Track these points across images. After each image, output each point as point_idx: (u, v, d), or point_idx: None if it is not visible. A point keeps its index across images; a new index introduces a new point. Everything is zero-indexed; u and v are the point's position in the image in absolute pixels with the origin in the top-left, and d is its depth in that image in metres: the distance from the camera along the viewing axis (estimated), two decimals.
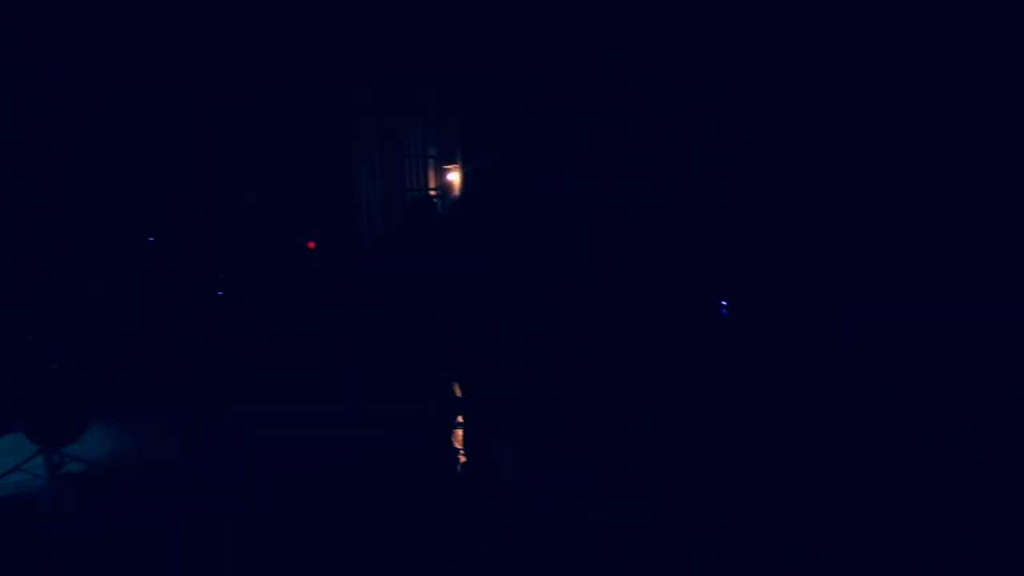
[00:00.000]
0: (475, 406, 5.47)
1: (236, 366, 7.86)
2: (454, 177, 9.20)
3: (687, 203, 7.90)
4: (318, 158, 9.42)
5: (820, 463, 5.38)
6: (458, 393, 5.59)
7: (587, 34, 8.00)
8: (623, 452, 5.78)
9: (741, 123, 7.66)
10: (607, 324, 7.56)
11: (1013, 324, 6.69)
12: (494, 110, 8.64)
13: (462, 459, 5.43)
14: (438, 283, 5.87)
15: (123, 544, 4.52)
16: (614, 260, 7.82)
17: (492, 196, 8.48)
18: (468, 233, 6.36)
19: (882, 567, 4.05)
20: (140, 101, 8.75)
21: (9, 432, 6.54)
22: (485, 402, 5.50)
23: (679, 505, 4.84)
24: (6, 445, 6.32)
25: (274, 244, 9.05)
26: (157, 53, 8.56)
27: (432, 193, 9.27)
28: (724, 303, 7.77)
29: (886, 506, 4.67)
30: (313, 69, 9.15)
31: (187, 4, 8.34)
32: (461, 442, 5.59)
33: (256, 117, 9.21)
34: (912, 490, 4.86)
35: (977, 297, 6.99)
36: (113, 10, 8.42)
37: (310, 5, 8.61)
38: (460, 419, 5.79)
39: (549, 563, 4.20)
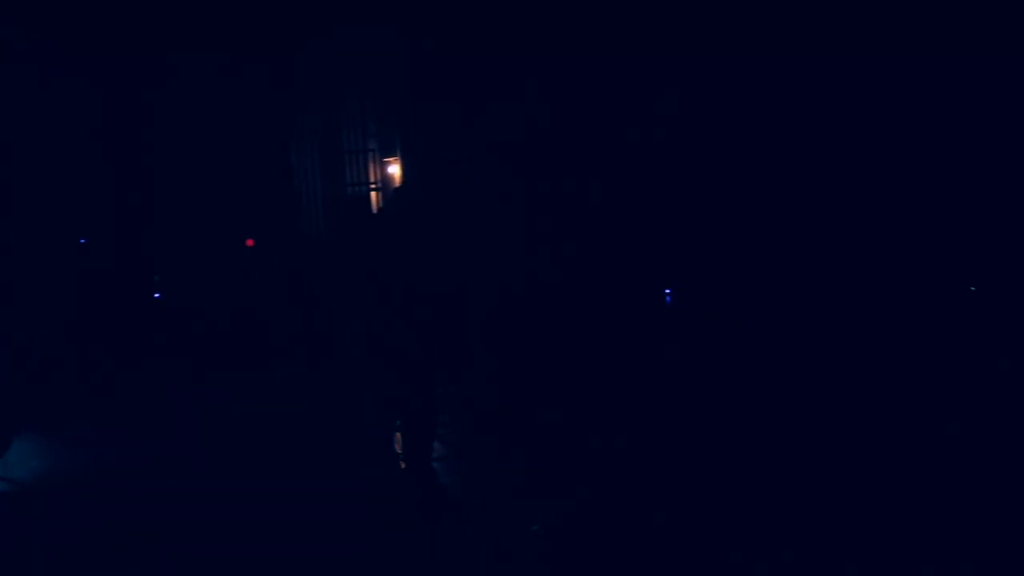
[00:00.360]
0: (414, 405, 5.36)
1: (173, 371, 7.66)
2: (395, 170, 9.06)
3: (627, 193, 7.87)
4: (256, 154, 9.23)
5: (760, 450, 5.37)
6: (397, 395, 5.47)
7: (527, 33, 7.92)
8: (562, 447, 5.72)
9: (680, 119, 7.66)
10: (549, 316, 7.49)
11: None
12: (433, 103, 8.52)
13: (402, 465, 5.31)
14: (376, 282, 5.74)
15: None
16: (556, 249, 7.76)
17: (429, 189, 8.37)
18: (405, 228, 6.23)
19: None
20: (67, 95, 8.50)
21: None
22: (425, 401, 5.39)
23: (615, 503, 4.79)
24: None
25: (212, 243, 8.85)
26: (83, 52, 8.34)
27: (372, 186, 9.11)
28: (668, 291, 7.75)
29: (816, 493, 4.67)
30: (249, 63, 8.96)
31: None
32: (400, 445, 5.47)
33: (192, 112, 9.00)
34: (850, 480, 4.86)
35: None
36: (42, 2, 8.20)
37: None
38: (399, 420, 5.68)
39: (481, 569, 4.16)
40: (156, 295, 8.42)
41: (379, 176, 9.27)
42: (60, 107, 8.42)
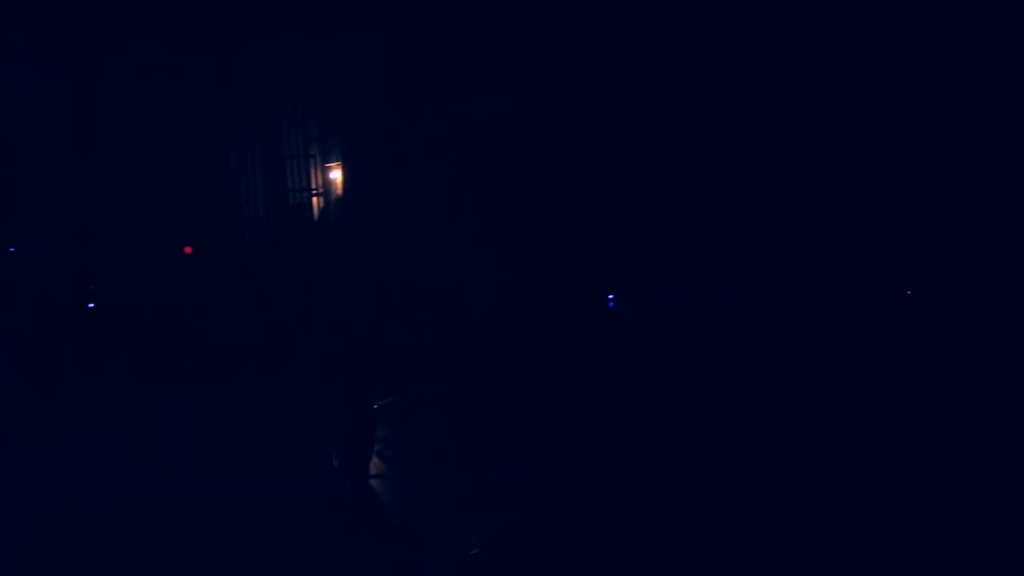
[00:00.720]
0: (356, 418, 5.27)
1: (108, 383, 7.46)
2: (336, 176, 8.94)
3: (575, 199, 7.84)
4: (196, 159, 9.03)
5: (707, 453, 5.36)
6: (343, 408, 5.37)
7: (473, 34, 7.85)
8: (505, 459, 5.67)
9: (640, 121, 7.64)
10: (493, 322, 7.45)
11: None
12: (375, 107, 8.42)
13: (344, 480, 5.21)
14: (317, 290, 5.64)
15: None
16: (499, 257, 7.71)
17: (371, 196, 8.27)
18: (347, 236, 6.14)
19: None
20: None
21: None
22: (361, 415, 5.31)
23: (558, 516, 4.75)
24: None
25: (149, 250, 8.64)
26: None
27: (314, 192, 8.98)
28: (611, 296, 7.74)
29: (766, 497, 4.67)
30: (187, 64, 8.76)
31: None
32: (342, 459, 5.38)
33: (128, 115, 8.77)
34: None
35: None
36: None
37: None
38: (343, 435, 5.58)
39: None
40: (90, 304, 8.20)
41: (321, 182, 9.14)
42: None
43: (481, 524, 4.63)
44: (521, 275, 7.67)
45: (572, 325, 7.50)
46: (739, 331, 7.10)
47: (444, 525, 4.74)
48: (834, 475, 4.87)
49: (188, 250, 8.60)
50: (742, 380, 6.44)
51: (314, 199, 8.94)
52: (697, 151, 7.41)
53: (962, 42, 6.48)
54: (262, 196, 9.30)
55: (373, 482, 5.32)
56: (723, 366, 6.69)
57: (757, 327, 7.09)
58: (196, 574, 4.27)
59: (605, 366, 7.08)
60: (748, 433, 5.59)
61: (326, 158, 9.12)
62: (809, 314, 7.02)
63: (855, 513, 4.40)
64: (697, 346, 7.07)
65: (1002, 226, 6.61)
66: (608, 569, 4.10)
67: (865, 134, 7.01)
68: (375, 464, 5.78)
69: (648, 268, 7.55)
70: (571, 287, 7.80)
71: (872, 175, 7.01)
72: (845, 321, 6.89)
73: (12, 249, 8.13)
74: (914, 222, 6.86)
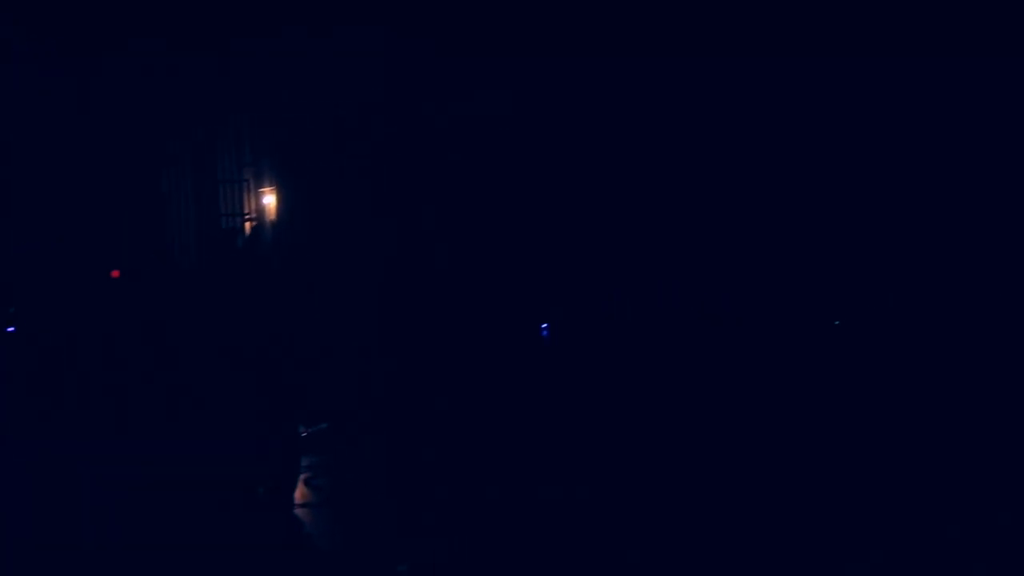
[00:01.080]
0: (282, 448, 5.18)
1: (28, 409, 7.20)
2: (270, 201, 8.86)
3: (505, 225, 7.86)
4: (126, 181, 8.86)
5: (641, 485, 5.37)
6: (266, 436, 5.27)
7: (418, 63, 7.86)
8: (433, 486, 5.62)
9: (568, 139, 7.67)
10: (422, 352, 7.41)
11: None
12: (306, 133, 8.37)
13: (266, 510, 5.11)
14: (245, 317, 5.56)
15: None
16: (426, 290, 7.68)
17: (298, 221, 8.20)
18: (276, 262, 6.07)
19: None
20: None
21: None
22: (291, 441, 5.23)
23: (485, 542, 4.71)
24: None
25: (74, 273, 8.42)
26: None
27: (247, 217, 8.88)
28: (544, 325, 7.77)
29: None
30: (120, 88, 8.62)
31: None
32: (266, 489, 5.27)
33: (55, 135, 8.58)
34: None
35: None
36: None
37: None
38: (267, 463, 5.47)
39: None
40: (10, 328, 7.93)
41: (254, 206, 9.04)
42: None
43: (409, 551, 4.57)
44: (453, 304, 7.66)
45: (506, 352, 7.50)
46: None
47: (371, 552, 4.67)
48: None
49: (115, 274, 8.39)
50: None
51: (247, 224, 8.84)
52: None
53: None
54: (194, 220, 9.17)
55: (299, 511, 5.22)
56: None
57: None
58: None
59: (538, 393, 7.08)
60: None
61: (260, 183, 9.05)
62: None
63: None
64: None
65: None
66: None
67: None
68: (301, 492, 5.69)
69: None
70: (507, 315, 7.80)
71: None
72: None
73: None
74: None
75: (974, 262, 6.76)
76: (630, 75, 7.49)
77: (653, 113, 7.49)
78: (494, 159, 7.75)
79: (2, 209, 8.28)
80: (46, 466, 6.07)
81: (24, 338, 7.93)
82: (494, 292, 7.72)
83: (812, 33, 6.99)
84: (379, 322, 8.04)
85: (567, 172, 7.57)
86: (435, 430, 6.59)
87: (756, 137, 7.32)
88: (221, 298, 5.94)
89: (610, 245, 7.66)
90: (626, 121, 7.57)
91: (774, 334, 7.03)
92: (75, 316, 8.08)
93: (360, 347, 7.78)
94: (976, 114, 6.76)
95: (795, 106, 7.18)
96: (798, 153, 7.23)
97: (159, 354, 7.39)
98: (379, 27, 7.75)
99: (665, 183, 7.53)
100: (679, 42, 7.28)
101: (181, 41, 8.35)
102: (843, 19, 6.97)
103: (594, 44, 7.46)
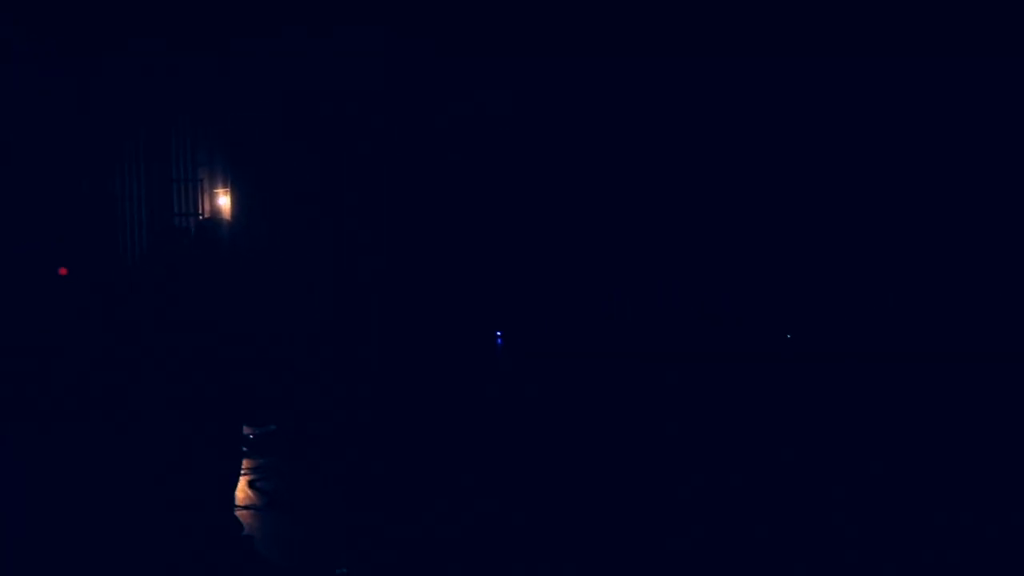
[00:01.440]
0: (223, 448, 5.09)
1: None
2: (224, 202, 8.75)
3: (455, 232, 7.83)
4: (77, 178, 8.71)
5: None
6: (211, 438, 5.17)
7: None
8: (378, 490, 5.57)
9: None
10: (374, 357, 7.35)
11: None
12: (263, 132, 8.29)
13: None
14: (194, 316, 5.46)
15: None
16: (379, 293, 7.63)
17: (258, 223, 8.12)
18: (227, 263, 5.99)
19: None
20: None
21: None
22: (234, 444, 5.14)
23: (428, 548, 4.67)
24: None
25: (19, 270, 8.25)
26: None
27: (200, 217, 8.77)
28: (499, 333, 7.74)
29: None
30: (72, 83, 8.48)
31: None
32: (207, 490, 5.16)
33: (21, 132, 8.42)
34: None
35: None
36: None
37: None
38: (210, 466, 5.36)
39: None
40: None
41: (208, 207, 8.93)
42: None
43: (350, 555, 4.52)
44: (407, 308, 7.61)
45: (459, 359, 7.46)
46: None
47: (310, 555, 4.61)
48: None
49: (63, 271, 8.24)
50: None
51: (200, 224, 8.72)
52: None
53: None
54: (147, 220, 9.03)
55: (240, 513, 5.14)
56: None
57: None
58: None
59: (490, 399, 7.05)
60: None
61: (214, 183, 8.94)
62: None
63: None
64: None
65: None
66: None
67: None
68: (247, 495, 5.61)
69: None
70: (461, 323, 7.76)
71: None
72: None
73: None
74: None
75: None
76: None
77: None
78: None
79: None
80: None
81: None
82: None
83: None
84: (335, 324, 7.97)
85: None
86: (389, 434, 6.53)
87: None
88: (170, 297, 5.83)
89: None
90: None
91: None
92: (20, 313, 7.92)
93: (313, 349, 7.71)
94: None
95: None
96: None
97: (103, 351, 7.26)
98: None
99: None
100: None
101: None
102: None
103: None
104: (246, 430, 6.62)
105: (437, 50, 7.51)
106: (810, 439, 5.72)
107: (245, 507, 5.36)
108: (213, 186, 8.89)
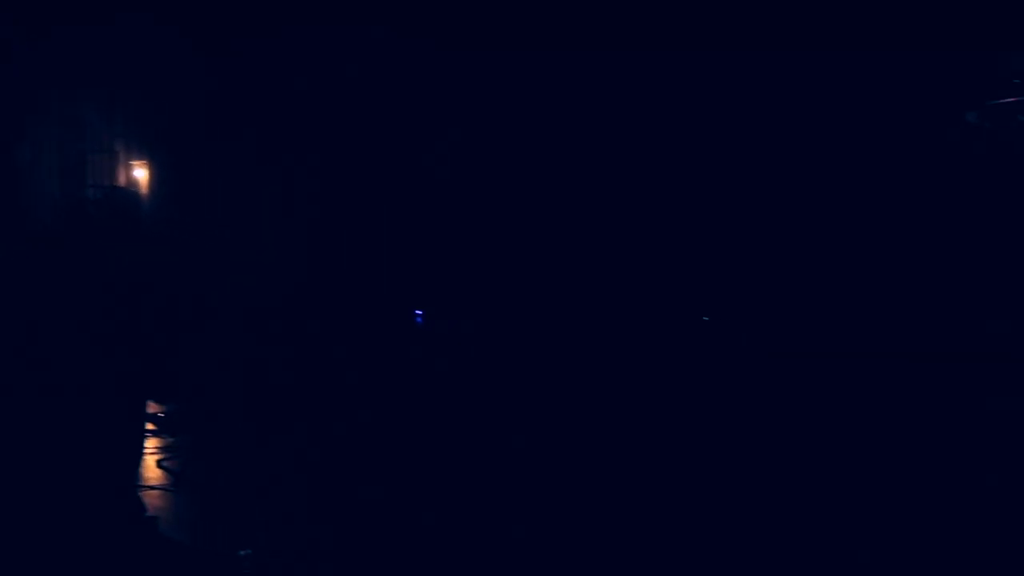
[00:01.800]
0: (112, 428, 4.94)
1: None
2: (142, 173, 8.53)
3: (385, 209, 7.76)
4: None
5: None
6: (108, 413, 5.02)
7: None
8: (287, 469, 5.49)
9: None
10: (293, 332, 7.25)
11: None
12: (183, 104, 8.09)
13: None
14: (105, 290, 5.30)
15: None
16: (304, 267, 7.53)
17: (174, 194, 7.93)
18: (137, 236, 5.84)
19: None
20: None
21: None
22: (136, 422, 5.01)
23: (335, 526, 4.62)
24: None
25: None
26: None
27: (115, 189, 8.53)
28: (418, 312, 7.70)
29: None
30: None
31: None
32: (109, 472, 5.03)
33: None
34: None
35: None
36: None
37: None
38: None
39: None
40: None
41: (124, 178, 8.70)
42: None
43: (255, 536, 4.44)
44: (324, 283, 7.52)
45: (378, 336, 7.40)
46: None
47: (214, 535, 4.52)
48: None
49: None
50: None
51: (111, 191, 8.49)
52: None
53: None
54: (58, 192, 8.76)
55: (144, 493, 5.02)
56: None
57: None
58: None
59: (411, 378, 7.01)
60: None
61: (130, 155, 8.71)
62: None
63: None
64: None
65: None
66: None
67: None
68: (155, 475, 5.49)
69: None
70: (379, 301, 7.70)
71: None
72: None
73: None
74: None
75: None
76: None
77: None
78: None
79: None
80: None
81: None
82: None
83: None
84: (253, 304, 7.84)
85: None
86: (308, 417, 6.44)
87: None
88: (81, 269, 5.65)
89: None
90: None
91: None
92: None
93: (229, 327, 7.57)
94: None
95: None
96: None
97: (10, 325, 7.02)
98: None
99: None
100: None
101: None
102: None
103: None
104: (154, 408, 6.49)
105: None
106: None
107: (151, 487, 5.23)
108: (129, 158, 8.66)
